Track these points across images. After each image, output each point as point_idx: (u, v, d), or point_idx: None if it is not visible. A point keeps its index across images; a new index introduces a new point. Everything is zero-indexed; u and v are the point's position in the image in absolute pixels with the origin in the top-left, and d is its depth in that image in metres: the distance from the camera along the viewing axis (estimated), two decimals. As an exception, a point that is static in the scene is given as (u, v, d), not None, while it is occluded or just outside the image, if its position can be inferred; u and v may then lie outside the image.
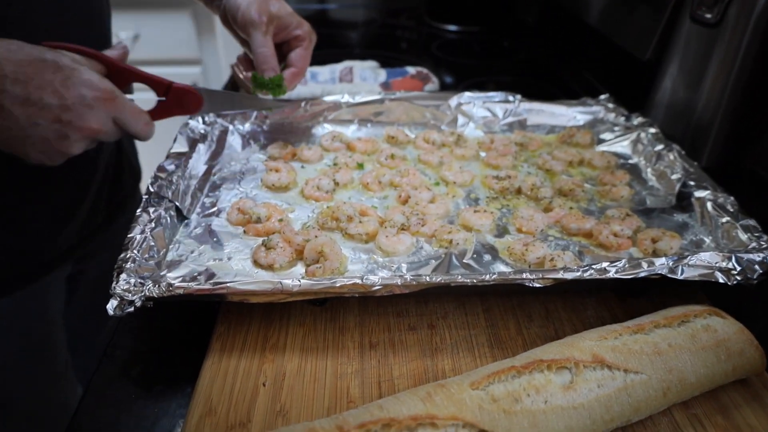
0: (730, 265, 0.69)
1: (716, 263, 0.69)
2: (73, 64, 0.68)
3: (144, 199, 0.82)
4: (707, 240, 0.82)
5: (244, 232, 0.84)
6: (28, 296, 0.92)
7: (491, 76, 1.60)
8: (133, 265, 0.70)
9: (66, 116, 0.66)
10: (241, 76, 1.02)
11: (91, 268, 1.04)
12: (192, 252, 0.79)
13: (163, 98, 0.83)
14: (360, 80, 1.44)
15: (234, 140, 1.07)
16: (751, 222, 0.78)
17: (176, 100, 0.84)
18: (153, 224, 0.77)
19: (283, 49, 1.00)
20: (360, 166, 1.02)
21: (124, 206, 1.09)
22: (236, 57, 1.04)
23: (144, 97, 0.82)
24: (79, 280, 1.03)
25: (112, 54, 0.78)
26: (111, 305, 0.65)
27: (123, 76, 0.77)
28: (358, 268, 0.77)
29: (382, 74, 1.46)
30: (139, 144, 1.13)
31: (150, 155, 1.22)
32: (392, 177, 0.97)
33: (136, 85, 0.84)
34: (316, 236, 0.80)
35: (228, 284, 0.67)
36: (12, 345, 0.93)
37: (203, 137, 1.01)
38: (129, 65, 0.79)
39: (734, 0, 0.95)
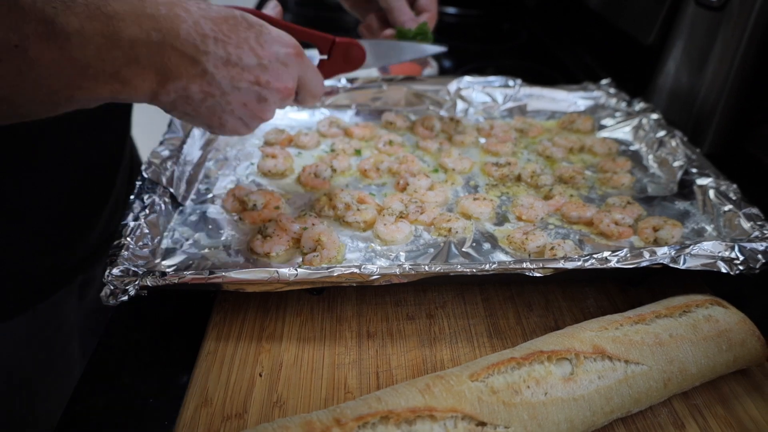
0: (732, 255, 0.68)
1: (719, 252, 0.68)
2: (258, 20, 0.63)
3: (138, 186, 0.80)
4: (709, 228, 0.81)
5: (240, 219, 0.83)
6: (46, 309, 0.89)
7: (491, 60, 1.57)
8: (127, 252, 0.68)
9: (264, 76, 0.62)
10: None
11: (100, 273, 1.02)
12: (187, 240, 0.78)
13: (326, 56, 0.78)
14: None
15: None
16: (754, 210, 0.77)
17: (340, 56, 0.79)
18: (147, 211, 0.76)
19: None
20: (358, 152, 1.01)
21: None
22: (359, 26, 0.99)
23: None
24: (91, 286, 1.00)
25: (270, 13, 0.74)
26: (104, 293, 0.64)
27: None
28: (355, 256, 0.76)
29: (381, 58, 1.43)
30: (136, 136, 1.11)
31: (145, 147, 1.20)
32: (390, 164, 0.96)
33: None
34: (313, 224, 0.79)
35: (224, 273, 0.65)
36: (31, 359, 0.89)
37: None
38: (290, 23, 0.74)
39: (740, -17, 0.93)
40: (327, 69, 0.78)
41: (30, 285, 0.85)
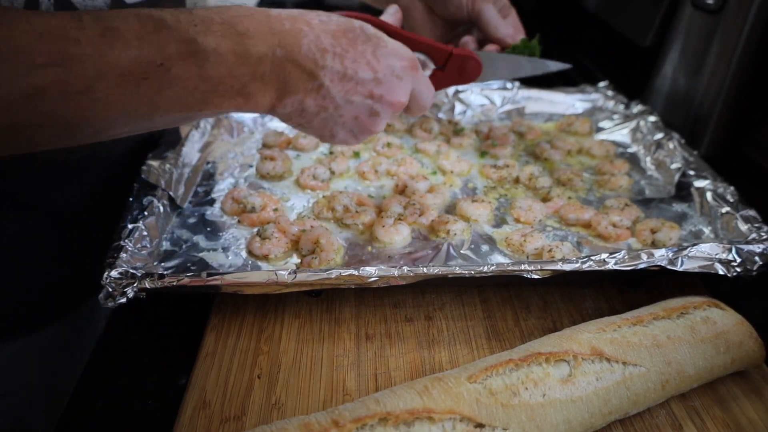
0: (730, 257, 0.68)
1: (716, 255, 0.68)
2: (376, 32, 0.62)
3: (136, 188, 0.80)
4: (706, 230, 0.82)
5: (239, 221, 0.83)
6: (62, 328, 0.86)
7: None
8: (125, 255, 0.68)
9: (378, 90, 0.61)
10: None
11: None
12: (186, 242, 0.78)
13: (440, 67, 0.76)
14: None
15: (228, 128, 1.06)
16: (751, 212, 0.77)
17: (455, 68, 0.76)
18: (145, 213, 0.76)
19: None
20: (356, 154, 1.01)
21: None
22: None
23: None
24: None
25: (389, 20, 0.72)
26: (103, 296, 0.64)
27: (404, 43, 0.68)
28: (354, 258, 0.76)
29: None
30: None
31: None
32: (389, 166, 0.96)
33: None
34: (311, 226, 0.79)
35: (222, 275, 0.66)
36: (46, 381, 0.86)
37: (197, 124, 1.00)
38: (408, 31, 0.73)
39: (737, -14, 0.93)
40: (439, 80, 0.76)
41: (63, 294, 0.84)
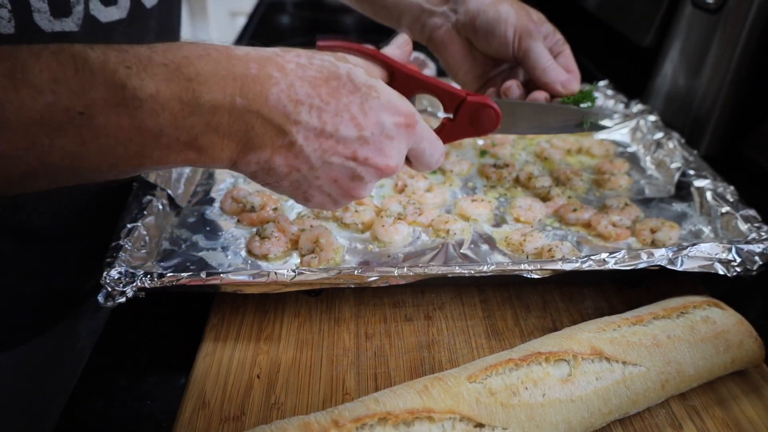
0: (730, 257, 0.68)
1: (716, 254, 0.68)
2: (367, 79, 0.52)
3: (135, 187, 0.80)
4: (706, 230, 0.82)
5: (238, 221, 0.83)
6: (60, 332, 0.86)
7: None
8: (124, 255, 0.68)
9: (362, 151, 0.52)
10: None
11: None
12: (185, 241, 0.78)
13: (451, 115, 0.64)
14: (356, 66, 1.41)
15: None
16: (751, 212, 0.77)
17: (467, 117, 0.64)
18: (144, 213, 0.75)
19: None
20: (356, 153, 1.00)
21: None
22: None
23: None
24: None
25: (394, 54, 0.61)
26: (102, 296, 0.64)
27: (407, 84, 0.58)
28: (353, 258, 0.76)
29: (378, 60, 1.43)
30: None
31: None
32: (388, 165, 0.96)
33: None
34: (311, 226, 0.79)
35: (221, 275, 0.65)
36: (43, 386, 0.85)
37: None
38: (415, 70, 0.61)
39: (737, -15, 0.93)
40: (448, 132, 0.65)
41: (46, 308, 0.82)
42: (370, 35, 1.69)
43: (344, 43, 0.57)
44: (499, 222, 0.84)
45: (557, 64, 0.77)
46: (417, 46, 0.75)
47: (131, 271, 0.65)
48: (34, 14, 0.58)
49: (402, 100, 0.54)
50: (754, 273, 0.68)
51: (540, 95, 0.76)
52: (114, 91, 0.43)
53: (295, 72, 0.49)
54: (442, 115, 0.74)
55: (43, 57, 0.42)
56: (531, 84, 0.79)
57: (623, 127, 1.08)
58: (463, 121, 0.65)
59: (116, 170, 0.48)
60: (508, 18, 0.76)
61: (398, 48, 0.63)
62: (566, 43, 0.81)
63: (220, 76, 0.47)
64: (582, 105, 0.77)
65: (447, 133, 0.64)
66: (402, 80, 0.59)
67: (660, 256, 0.68)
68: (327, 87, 0.50)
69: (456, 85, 0.73)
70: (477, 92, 0.82)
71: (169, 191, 0.82)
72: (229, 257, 0.76)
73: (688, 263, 0.68)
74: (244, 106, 0.47)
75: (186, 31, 2.30)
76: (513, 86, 0.76)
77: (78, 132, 0.43)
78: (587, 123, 0.78)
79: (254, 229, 0.79)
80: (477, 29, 0.78)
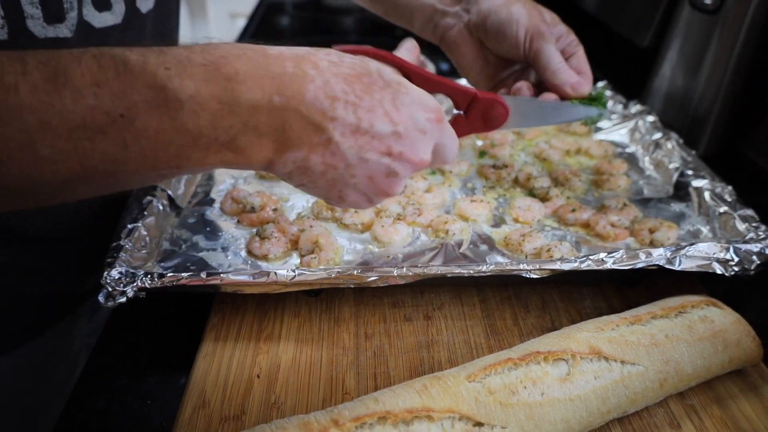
0: (727, 256, 0.68)
1: (714, 254, 0.68)
2: (396, 76, 0.53)
3: (135, 188, 0.80)
4: (704, 230, 0.82)
5: (238, 221, 0.83)
6: (57, 334, 0.86)
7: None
8: (124, 255, 0.68)
9: (397, 146, 0.52)
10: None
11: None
12: (185, 242, 0.78)
13: (462, 112, 0.67)
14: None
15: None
16: (749, 212, 0.78)
17: (479, 113, 0.68)
18: (145, 213, 0.76)
19: None
20: (355, 154, 1.01)
21: None
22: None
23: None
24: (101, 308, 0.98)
25: (406, 56, 0.63)
26: (102, 296, 0.64)
27: (422, 84, 0.59)
28: (353, 258, 0.77)
29: (378, 61, 1.44)
30: None
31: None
32: (388, 166, 0.96)
33: None
34: (311, 226, 0.79)
35: (221, 275, 0.66)
36: (40, 387, 0.85)
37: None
38: (427, 71, 0.64)
39: (735, -14, 0.94)
40: (461, 127, 0.67)
41: (46, 308, 0.82)
42: (369, 37, 1.70)
43: (360, 48, 0.58)
44: (498, 222, 0.84)
45: (568, 66, 0.77)
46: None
47: (132, 271, 0.66)
48: (27, 20, 0.58)
49: (429, 97, 0.55)
50: (752, 272, 0.68)
51: (550, 97, 0.77)
52: (155, 92, 0.43)
53: (329, 69, 0.49)
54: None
55: (84, 60, 0.42)
56: (542, 85, 0.79)
57: (622, 128, 1.08)
58: (474, 116, 0.68)
59: (155, 173, 0.47)
60: (519, 19, 0.76)
61: (408, 51, 0.65)
62: (580, 44, 0.81)
63: (257, 75, 0.46)
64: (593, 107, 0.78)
65: (459, 128, 0.66)
66: (417, 80, 0.60)
67: (658, 256, 0.68)
68: (360, 83, 0.50)
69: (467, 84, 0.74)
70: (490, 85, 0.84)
71: (170, 192, 0.83)
72: (229, 257, 0.76)
73: (686, 263, 0.68)
74: (282, 104, 0.47)
75: (186, 33, 2.31)
76: (524, 87, 0.76)
77: (119, 135, 0.43)
78: (590, 121, 0.80)
79: (254, 230, 0.80)
80: (488, 30, 0.78)
